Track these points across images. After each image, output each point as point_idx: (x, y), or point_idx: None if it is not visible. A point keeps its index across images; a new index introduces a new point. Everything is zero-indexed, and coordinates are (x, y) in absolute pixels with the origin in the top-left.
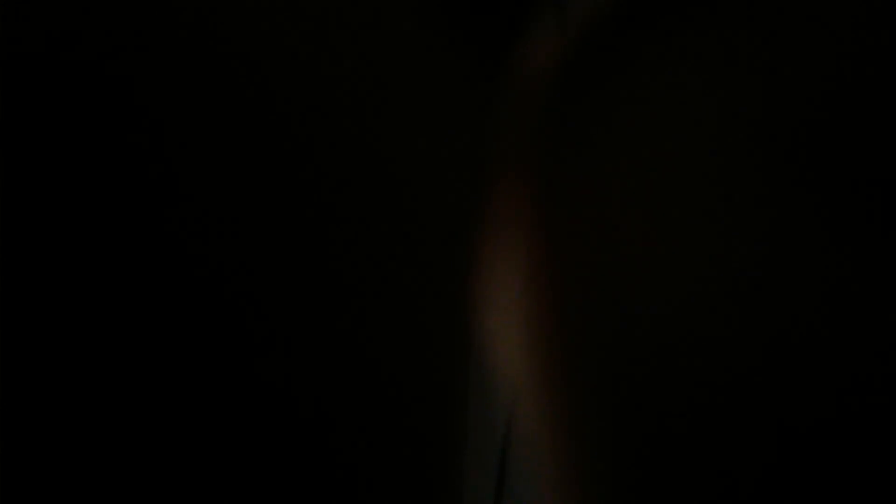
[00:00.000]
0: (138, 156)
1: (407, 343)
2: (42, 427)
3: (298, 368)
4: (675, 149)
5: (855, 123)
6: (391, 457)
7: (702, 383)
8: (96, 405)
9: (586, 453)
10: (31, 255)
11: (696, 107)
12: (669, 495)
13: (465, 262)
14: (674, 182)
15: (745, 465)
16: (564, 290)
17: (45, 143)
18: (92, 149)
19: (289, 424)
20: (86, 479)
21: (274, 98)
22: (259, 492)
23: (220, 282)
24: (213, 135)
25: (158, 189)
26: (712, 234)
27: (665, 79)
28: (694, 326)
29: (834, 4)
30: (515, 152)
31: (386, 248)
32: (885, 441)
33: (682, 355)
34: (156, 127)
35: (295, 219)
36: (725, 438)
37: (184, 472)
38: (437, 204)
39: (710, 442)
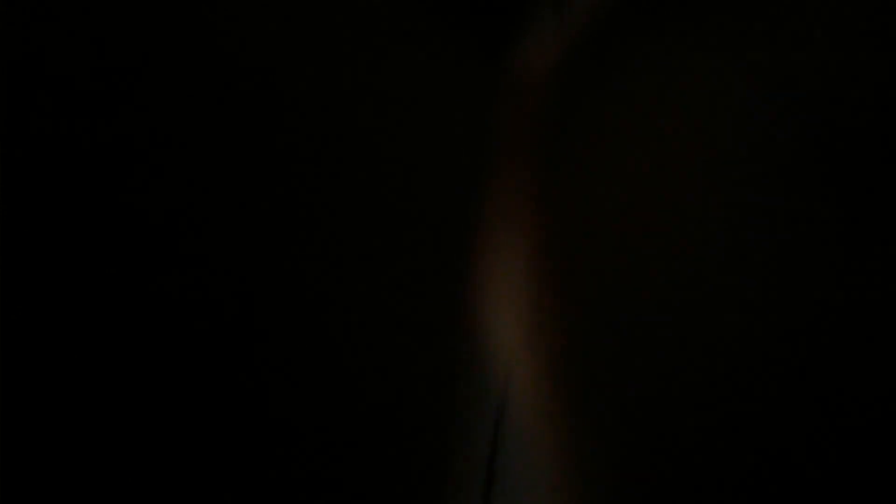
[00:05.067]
0: (140, 157)
1: (403, 338)
2: (38, 428)
3: (294, 365)
4: (675, 145)
5: (857, 123)
6: (380, 453)
7: (701, 381)
8: (93, 403)
9: (585, 451)
10: (29, 256)
11: (695, 104)
12: (668, 494)
13: (466, 257)
14: (673, 178)
15: (745, 463)
16: (564, 285)
17: (44, 144)
18: (94, 149)
19: (283, 420)
20: (82, 480)
21: (275, 98)
22: (254, 483)
23: (220, 280)
24: (214, 133)
25: (160, 190)
26: (713, 229)
27: (665, 76)
28: (693, 323)
29: (835, 4)
30: (516, 149)
31: (387, 243)
32: (888, 443)
33: (682, 352)
34: (158, 128)
35: (297, 215)
36: (726, 437)
37: (179, 471)
38: (438, 199)
39: (709, 440)
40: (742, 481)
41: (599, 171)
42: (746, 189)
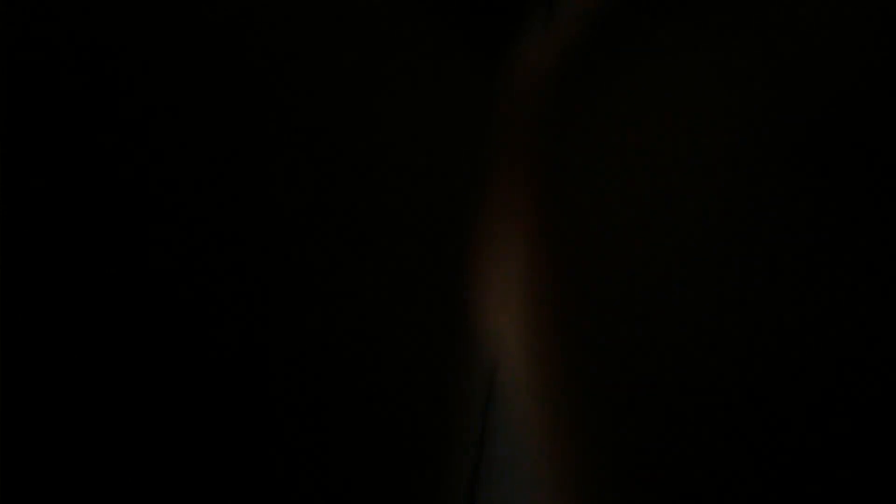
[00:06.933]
0: (141, 155)
1: (403, 338)
2: (41, 428)
3: (295, 363)
4: (674, 145)
5: (857, 122)
6: (371, 438)
7: (695, 378)
8: (94, 406)
9: (583, 451)
10: (30, 256)
11: (695, 103)
12: (665, 492)
13: (465, 258)
14: (673, 179)
15: (741, 462)
16: (563, 285)
17: (45, 143)
18: (94, 149)
19: (285, 418)
20: (85, 480)
21: (276, 97)
22: (258, 478)
23: (220, 280)
24: (215, 132)
25: (161, 188)
26: (712, 231)
27: (664, 76)
28: (692, 323)
29: (836, 3)
30: (515, 148)
31: (386, 242)
32: (883, 441)
33: (680, 352)
34: (159, 126)
35: (297, 214)
36: (722, 435)
37: (181, 471)
38: (437, 200)
39: (706, 439)
40: (741, 480)
41: (599, 170)
42: (744, 188)
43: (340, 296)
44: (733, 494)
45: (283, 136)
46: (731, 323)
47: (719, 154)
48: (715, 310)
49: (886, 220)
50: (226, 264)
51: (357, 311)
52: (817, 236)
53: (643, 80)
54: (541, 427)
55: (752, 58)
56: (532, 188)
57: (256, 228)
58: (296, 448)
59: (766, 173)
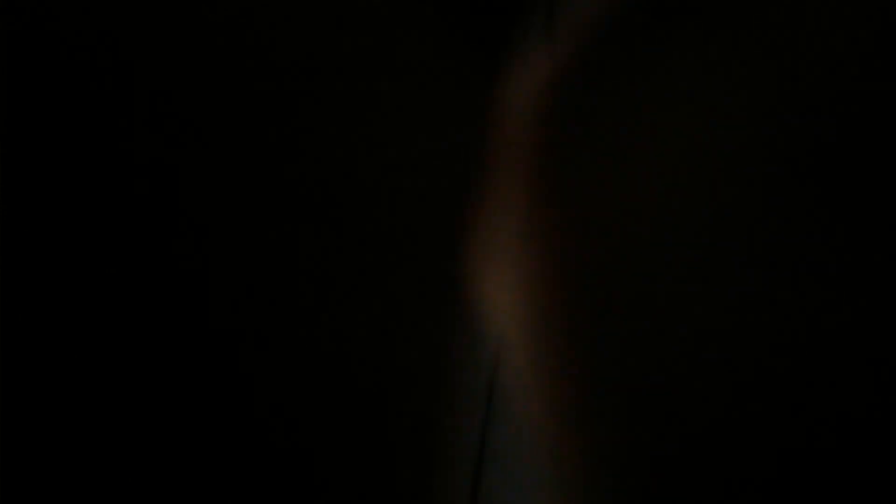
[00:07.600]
0: (140, 154)
1: (403, 337)
2: (40, 426)
3: (295, 362)
4: (673, 146)
5: (860, 122)
6: (371, 431)
7: (699, 379)
8: (92, 403)
9: (583, 450)
10: (30, 255)
11: (694, 104)
12: (666, 490)
13: (465, 257)
14: (672, 178)
15: (743, 461)
16: (563, 284)
17: (46, 142)
18: (93, 146)
19: (286, 417)
20: (81, 477)
21: (275, 97)
22: (252, 473)
23: (217, 278)
24: (215, 131)
25: (159, 186)
26: (713, 229)
27: (664, 77)
28: (692, 321)
29: (836, 5)
30: (515, 148)
31: (386, 241)
32: (885, 441)
33: (680, 350)
34: (158, 123)
35: (296, 213)
36: (723, 434)
37: (174, 468)
38: (437, 199)
39: (706, 438)
40: (743, 478)
41: (596, 167)
42: (745, 187)
43: (340, 294)
44: (733, 493)
45: (282, 136)
46: (732, 321)
47: (720, 154)
48: (715, 308)
49: (888, 219)
50: (223, 262)
51: (357, 310)
52: (819, 236)
53: (643, 80)
54: (542, 426)
55: (754, 60)
56: (532, 187)
57: (254, 226)
58: (297, 447)
59: (768, 173)
